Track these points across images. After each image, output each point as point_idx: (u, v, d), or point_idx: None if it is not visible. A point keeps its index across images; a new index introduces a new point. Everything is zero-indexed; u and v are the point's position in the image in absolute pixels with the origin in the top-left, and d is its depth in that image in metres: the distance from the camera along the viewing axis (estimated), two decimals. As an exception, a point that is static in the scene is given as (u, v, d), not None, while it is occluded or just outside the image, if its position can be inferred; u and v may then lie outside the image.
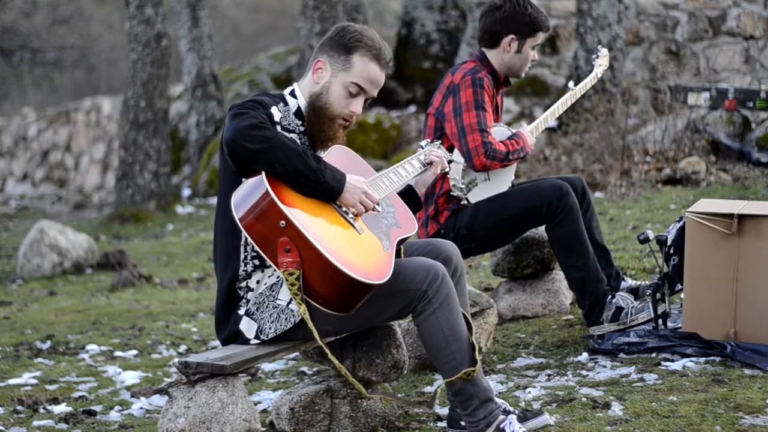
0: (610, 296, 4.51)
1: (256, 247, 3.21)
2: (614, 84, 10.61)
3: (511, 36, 4.54)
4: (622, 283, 4.79)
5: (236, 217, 3.20)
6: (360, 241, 3.30)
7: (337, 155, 3.50)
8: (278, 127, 3.39)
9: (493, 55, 4.58)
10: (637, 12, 11.92)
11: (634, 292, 4.75)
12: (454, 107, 4.44)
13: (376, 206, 3.40)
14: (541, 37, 4.58)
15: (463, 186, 4.46)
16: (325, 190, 3.27)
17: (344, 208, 3.34)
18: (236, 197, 3.23)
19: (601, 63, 5.07)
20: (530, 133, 4.61)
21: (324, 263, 3.14)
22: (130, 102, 11.89)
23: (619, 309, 4.50)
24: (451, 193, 4.50)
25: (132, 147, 11.88)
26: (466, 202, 4.52)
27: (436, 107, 4.54)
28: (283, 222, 3.14)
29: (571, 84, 4.88)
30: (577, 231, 4.48)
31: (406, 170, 3.71)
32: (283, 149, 3.19)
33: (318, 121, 3.47)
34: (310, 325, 3.24)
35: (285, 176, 3.21)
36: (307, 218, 3.19)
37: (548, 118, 4.73)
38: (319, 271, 3.16)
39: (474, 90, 4.43)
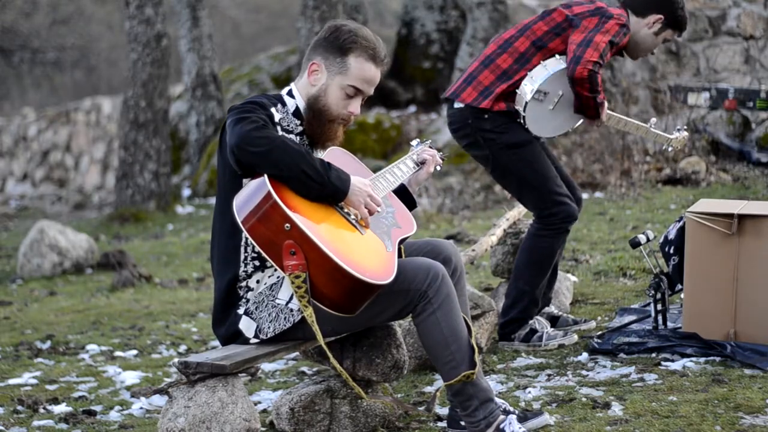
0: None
1: (259, 249, 3.20)
2: (614, 84, 10.62)
3: (660, 17, 4.60)
4: (546, 308, 4.84)
5: (239, 220, 3.18)
6: (363, 242, 3.30)
7: (334, 157, 3.50)
8: (278, 128, 3.39)
9: (634, 23, 4.63)
10: (637, 12, 11.91)
11: (554, 320, 4.83)
12: (596, 24, 4.46)
13: (379, 209, 3.40)
14: (673, 36, 4.65)
15: (533, 88, 4.43)
16: (331, 192, 3.26)
17: (346, 210, 3.33)
18: (238, 200, 3.22)
19: (680, 138, 4.95)
20: (608, 114, 4.63)
21: (330, 265, 3.13)
22: (130, 102, 11.88)
23: (533, 331, 4.61)
24: (517, 88, 4.49)
25: (132, 147, 11.88)
26: (520, 109, 4.47)
27: (576, 12, 4.54)
28: (287, 225, 3.12)
29: (654, 120, 4.91)
30: (554, 252, 4.58)
31: (401, 170, 3.72)
32: (287, 151, 3.17)
33: (318, 124, 3.47)
34: (316, 329, 3.23)
35: (290, 179, 3.19)
36: (311, 220, 3.18)
37: (623, 121, 4.75)
38: (326, 273, 3.15)
39: (619, 31, 4.49)
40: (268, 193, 3.14)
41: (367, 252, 3.26)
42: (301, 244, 3.13)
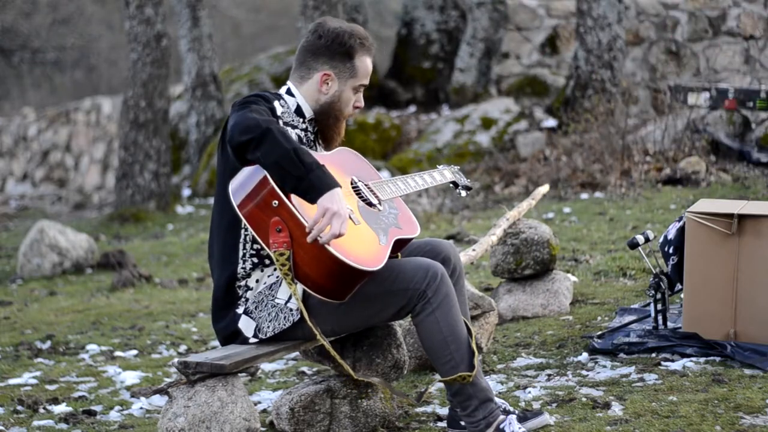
0: None
1: (251, 231, 3.25)
2: (614, 84, 10.61)
3: None
4: None
5: (234, 203, 3.25)
6: (354, 230, 3.32)
7: (344, 158, 3.56)
8: (280, 121, 3.43)
9: None
10: (637, 12, 11.92)
11: None
12: None
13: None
14: None
15: None
16: (306, 188, 3.16)
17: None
18: (234, 184, 3.29)
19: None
20: None
21: (313, 244, 3.16)
22: (130, 102, 11.87)
23: None
24: None
25: (132, 147, 11.86)
26: None
27: None
28: (275, 201, 3.19)
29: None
30: None
31: (416, 182, 3.76)
32: (272, 143, 3.14)
33: (335, 125, 3.55)
34: (301, 307, 3.26)
35: (266, 166, 3.18)
36: (301, 202, 3.22)
37: None
38: (309, 253, 3.19)
39: None
40: (264, 177, 3.20)
41: (355, 239, 3.29)
42: (287, 221, 3.18)
